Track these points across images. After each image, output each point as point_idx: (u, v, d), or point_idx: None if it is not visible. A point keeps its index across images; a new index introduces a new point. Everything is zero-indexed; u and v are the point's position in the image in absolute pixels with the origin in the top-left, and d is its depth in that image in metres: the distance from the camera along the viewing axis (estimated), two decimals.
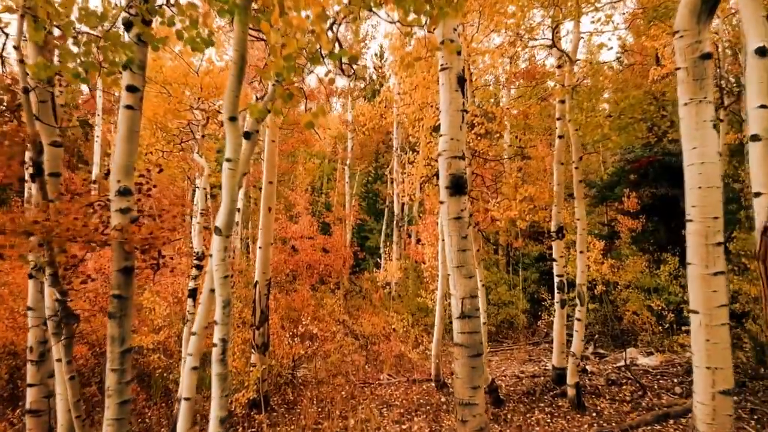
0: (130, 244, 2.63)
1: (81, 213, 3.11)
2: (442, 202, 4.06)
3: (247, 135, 2.69)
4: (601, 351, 9.96)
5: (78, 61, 2.24)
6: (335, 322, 9.54)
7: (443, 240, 7.56)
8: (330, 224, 15.32)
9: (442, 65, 4.03)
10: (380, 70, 25.46)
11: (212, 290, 2.63)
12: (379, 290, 12.18)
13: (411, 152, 6.37)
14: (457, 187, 3.97)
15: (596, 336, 10.31)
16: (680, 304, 9.45)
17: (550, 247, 14.59)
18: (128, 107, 2.86)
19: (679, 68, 3.14)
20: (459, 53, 4.04)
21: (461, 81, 4.04)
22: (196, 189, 16.77)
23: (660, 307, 9.08)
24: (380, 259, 17.44)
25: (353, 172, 21.57)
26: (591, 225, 12.37)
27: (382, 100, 6.73)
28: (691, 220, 2.96)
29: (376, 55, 25.16)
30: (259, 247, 6.76)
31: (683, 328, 8.85)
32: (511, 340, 12.01)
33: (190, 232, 16.29)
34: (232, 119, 2.49)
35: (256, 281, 6.71)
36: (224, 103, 2.50)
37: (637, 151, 11.04)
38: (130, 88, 2.87)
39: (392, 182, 18.89)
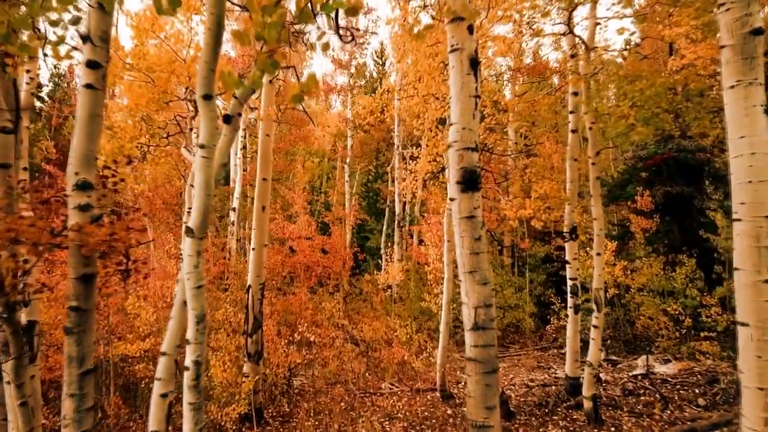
0: (88, 247, 2.23)
1: (37, 211, 2.71)
2: (452, 200, 3.66)
3: (228, 118, 2.29)
4: (614, 357, 9.56)
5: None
6: (334, 327, 9.13)
7: (449, 241, 7.17)
8: (329, 224, 14.93)
9: (452, 46, 3.62)
10: (381, 68, 25.06)
11: (185, 302, 2.23)
12: (380, 293, 11.78)
13: (414, 147, 6.01)
14: (470, 182, 3.56)
15: (608, 341, 9.90)
16: (697, 309, 9.04)
17: (558, 248, 14.22)
18: (88, 86, 2.46)
19: (724, 46, 2.75)
20: (471, 31, 3.63)
21: (474, 63, 3.63)
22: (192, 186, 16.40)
23: (677, 312, 8.67)
24: (381, 260, 17.03)
25: (353, 170, 21.16)
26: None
27: (384, 91, 6.35)
28: (739, 219, 2.59)
29: (376, 52, 24.71)
30: (253, 249, 6.36)
31: (702, 333, 8.44)
32: (517, 345, 11.60)
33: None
34: (207, 98, 2.09)
35: (249, 285, 6.31)
36: (197, 78, 2.10)
37: (650, 147, 10.62)
38: (91, 64, 2.46)
39: (393, 181, 18.50)
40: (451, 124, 3.67)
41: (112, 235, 2.23)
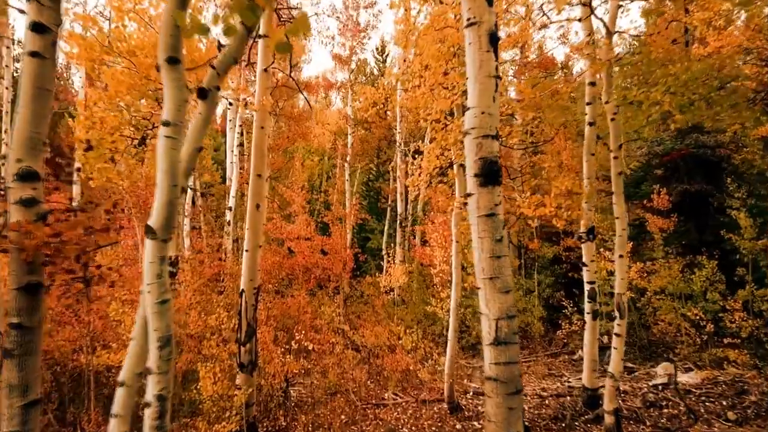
0: (28, 251, 1.81)
1: None
2: (468, 195, 3.23)
3: (203, 93, 1.86)
4: (630, 365, 9.12)
5: None
6: (334, 333, 8.71)
7: (457, 242, 6.74)
8: (329, 224, 14.51)
9: (468, 20, 3.19)
10: (382, 65, 24.59)
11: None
12: (382, 296, 11.34)
13: (420, 141, 5.55)
14: (490, 175, 3.14)
15: (624, 349, 9.43)
16: (718, 313, 8.61)
17: (567, 249, 13.79)
18: (34, 54, 2.04)
19: None
20: (491, 2, 3.20)
21: (494, 39, 3.19)
22: (189, 188, 15.98)
23: (697, 317, 8.23)
24: (382, 261, 16.61)
25: (353, 169, 20.73)
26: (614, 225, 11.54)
27: (387, 81, 5.91)
28: None
29: (377, 48, 24.26)
30: (246, 250, 5.93)
31: (725, 340, 8.00)
32: (526, 350, 11.17)
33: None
34: (172, 61, 1.67)
35: (242, 290, 5.89)
36: (160, 36, 1.68)
37: (666, 143, 10.18)
38: (37, 27, 2.04)
39: (395, 180, 18.07)
40: (467, 109, 3.24)
41: (57, 235, 1.81)
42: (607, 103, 5.63)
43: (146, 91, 4.75)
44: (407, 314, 11.13)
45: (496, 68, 3.24)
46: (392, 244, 16.42)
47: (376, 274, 16.62)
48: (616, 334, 5.67)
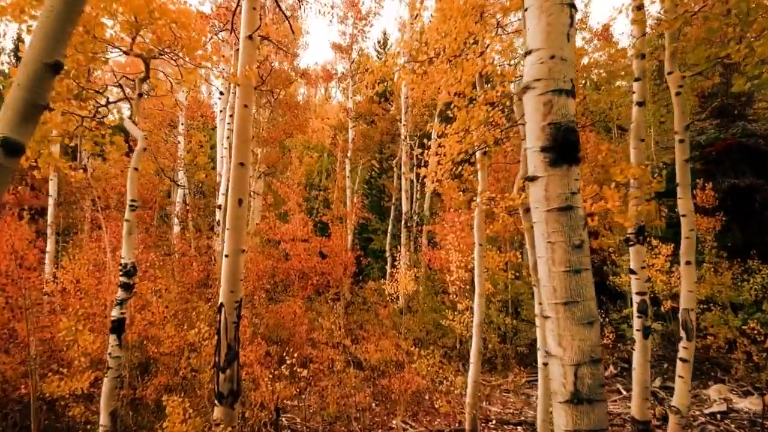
0: None
1: None
2: (530, 180, 2.27)
3: None
4: (671, 384, 8.12)
5: None
6: (334, 349, 7.73)
7: (481, 245, 5.75)
8: (328, 224, 13.55)
9: None
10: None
11: None
12: (388, 305, 10.35)
13: (440, 122, 4.53)
14: (566, 148, 2.20)
15: (665, 365, 8.46)
16: None
17: (593, 251, 12.78)
18: None
19: None
20: None
21: None
22: (177, 185, 15.01)
23: (755, 331, 7.23)
24: (386, 264, 15.64)
25: (355, 165, 19.76)
26: (648, 225, 10.55)
27: (399, 45, 4.98)
28: None
29: (379, 42, 23.25)
30: (226, 255, 4.94)
31: None
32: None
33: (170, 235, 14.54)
34: None
35: (221, 303, 4.90)
36: None
37: (709, 132, 9.17)
38: None
39: (399, 177, 17.10)
40: (527, 53, 2.28)
41: None
42: (670, 74, 4.65)
43: (92, 55, 3.78)
44: (415, 323, 10.16)
45: None
46: (397, 246, 15.45)
47: (380, 277, 15.66)
48: (681, 359, 4.69)
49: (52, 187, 12.52)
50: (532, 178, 2.14)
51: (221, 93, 13.67)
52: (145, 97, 4.66)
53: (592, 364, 2.00)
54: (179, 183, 13.92)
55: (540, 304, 4.97)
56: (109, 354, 3.88)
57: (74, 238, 14.17)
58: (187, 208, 12.89)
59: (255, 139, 13.66)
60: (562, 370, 2.03)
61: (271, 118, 13.84)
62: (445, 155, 4.60)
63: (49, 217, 12.42)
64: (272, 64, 11.36)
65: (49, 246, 11.76)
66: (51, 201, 12.48)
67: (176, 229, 13.94)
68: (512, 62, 5.75)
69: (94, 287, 5.82)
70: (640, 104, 5.57)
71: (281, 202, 12.75)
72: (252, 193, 13.15)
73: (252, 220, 13.52)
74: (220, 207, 12.45)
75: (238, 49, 5.19)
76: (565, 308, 2.06)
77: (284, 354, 6.39)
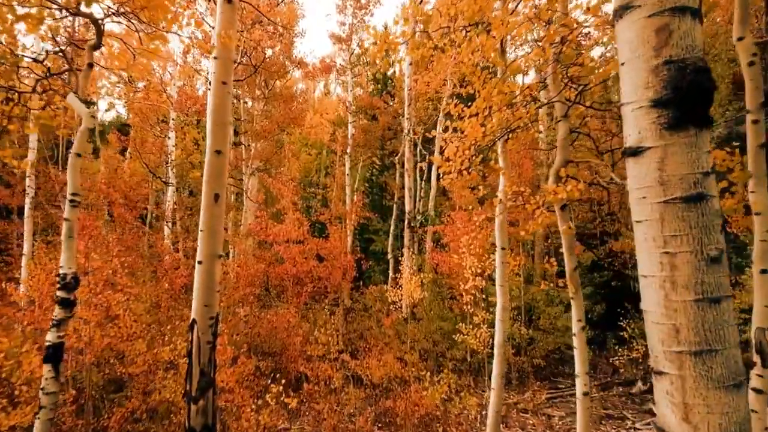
0: None
1: None
2: (632, 154, 1.44)
3: None
4: None
5: None
6: (331, 366, 6.93)
7: (503, 248, 4.93)
8: (326, 224, 12.74)
9: None
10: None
11: None
12: (391, 313, 9.54)
13: (458, 102, 3.76)
14: (694, 101, 1.35)
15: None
16: None
17: (609, 254, 11.97)
18: None
19: None
20: None
21: None
22: (168, 184, 14.20)
23: None
24: (388, 267, 14.84)
25: (355, 162, 18.96)
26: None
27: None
28: None
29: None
30: (199, 262, 4.14)
31: None
32: (569, 379, 9.37)
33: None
34: None
35: (193, 319, 4.09)
36: None
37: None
38: None
39: (402, 175, 16.31)
40: None
41: None
42: (740, 39, 3.85)
43: (21, 16, 2.97)
44: (420, 333, 9.35)
45: None
46: (400, 247, 14.65)
47: (381, 281, 14.86)
48: (754, 390, 3.87)
49: (28, 183, 11.76)
50: (635, 152, 1.34)
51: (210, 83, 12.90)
52: (97, 68, 3.86)
53: None
54: (168, 182, 13.13)
55: (580, 320, 4.15)
56: (42, 389, 3.08)
57: (54, 239, 13.35)
58: (174, 207, 12.08)
59: (248, 133, 12.88)
60: None
61: (265, 110, 13.04)
62: (464, 142, 3.81)
63: (26, 217, 11.66)
64: (265, 51, 10.56)
65: (26, 248, 10.98)
66: (27, 200, 11.72)
67: (167, 231, 13.16)
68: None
69: (49, 297, 5.02)
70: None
71: (274, 200, 11.94)
72: (246, 192, 12.35)
73: (245, 220, 12.73)
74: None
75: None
76: (696, 360, 1.29)
77: (276, 371, 5.59)
